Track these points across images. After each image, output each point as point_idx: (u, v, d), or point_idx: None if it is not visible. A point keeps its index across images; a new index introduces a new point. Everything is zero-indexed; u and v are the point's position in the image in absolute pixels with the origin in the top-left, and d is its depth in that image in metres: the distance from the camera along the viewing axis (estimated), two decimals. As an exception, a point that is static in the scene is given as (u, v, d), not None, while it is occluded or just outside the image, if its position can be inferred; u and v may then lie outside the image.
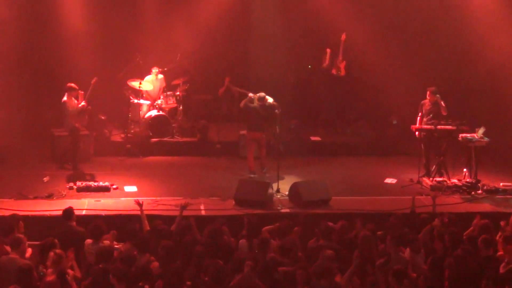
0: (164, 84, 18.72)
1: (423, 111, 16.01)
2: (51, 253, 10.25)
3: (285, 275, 10.08)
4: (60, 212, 12.61)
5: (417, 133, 16.09)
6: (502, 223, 12.13)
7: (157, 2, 19.24)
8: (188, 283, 9.91)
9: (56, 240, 10.84)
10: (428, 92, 15.98)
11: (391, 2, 18.77)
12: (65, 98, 16.19)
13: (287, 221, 12.02)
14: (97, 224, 11.54)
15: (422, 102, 16.06)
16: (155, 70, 18.53)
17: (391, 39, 18.79)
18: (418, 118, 16.06)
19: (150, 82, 18.53)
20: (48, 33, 18.71)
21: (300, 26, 19.35)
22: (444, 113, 15.77)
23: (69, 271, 10.24)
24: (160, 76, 18.66)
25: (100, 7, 18.86)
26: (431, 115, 15.84)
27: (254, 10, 19.09)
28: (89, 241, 11.22)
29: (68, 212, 12.04)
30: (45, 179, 15.61)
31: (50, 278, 9.79)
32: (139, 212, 12.43)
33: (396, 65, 18.51)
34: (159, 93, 18.63)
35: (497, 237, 11.68)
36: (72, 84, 16.19)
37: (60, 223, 12.00)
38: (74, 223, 11.86)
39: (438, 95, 15.81)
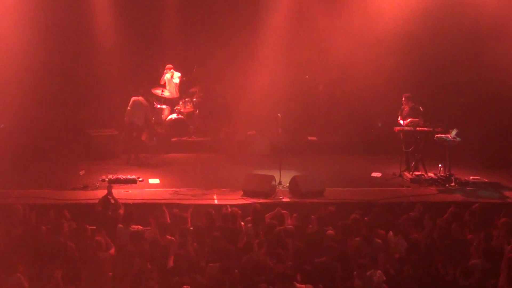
0: (179, 80, 18.63)
1: (403, 115, 16.09)
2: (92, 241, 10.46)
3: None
4: (94, 201, 12.85)
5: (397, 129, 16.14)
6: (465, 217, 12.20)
7: (177, 21, 19.16)
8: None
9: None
10: (403, 98, 16.06)
11: (377, 22, 18.64)
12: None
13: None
14: (129, 211, 11.71)
15: (402, 107, 16.10)
16: (169, 67, 18.46)
17: (378, 55, 18.74)
18: (399, 120, 16.09)
19: (169, 78, 18.55)
20: (84, 47, 18.61)
21: (299, 43, 19.31)
22: (421, 109, 15.92)
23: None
24: (177, 74, 18.54)
25: (128, 23, 18.73)
26: (409, 119, 15.88)
27: (259, 29, 19.10)
28: (121, 225, 11.43)
29: (104, 201, 12.22)
30: (81, 172, 15.75)
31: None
32: (161, 201, 12.56)
33: (381, 77, 18.43)
34: (177, 90, 18.61)
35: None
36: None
37: (96, 210, 12.19)
38: (109, 211, 12.04)
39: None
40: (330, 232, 11.09)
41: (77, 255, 10.27)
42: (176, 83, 18.55)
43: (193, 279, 9.49)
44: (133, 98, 16.82)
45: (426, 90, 17.62)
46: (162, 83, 18.48)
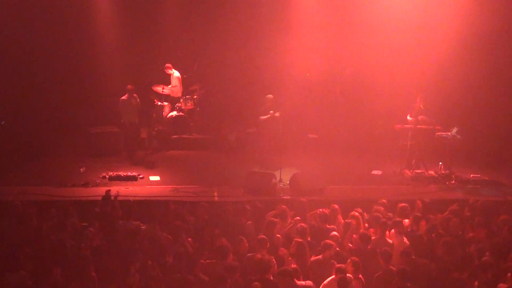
0: (180, 77, 18.59)
1: (413, 113, 15.92)
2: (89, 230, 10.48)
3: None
4: (94, 198, 12.84)
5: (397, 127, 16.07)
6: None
7: (179, 20, 19.14)
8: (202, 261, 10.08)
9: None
10: (418, 98, 16.01)
11: (381, 23, 18.56)
12: (124, 97, 16.52)
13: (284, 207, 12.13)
14: (129, 207, 11.70)
15: (413, 105, 16.00)
16: (169, 66, 18.45)
17: (379, 52, 18.69)
18: (409, 118, 16.02)
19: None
20: (85, 44, 18.65)
21: (300, 41, 19.20)
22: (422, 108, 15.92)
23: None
24: (176, 74, 18.57)
25: (129, 21, 18.78)
26: (419, 117, 15.85)
27: (260, 30, 19.04)
28: (121, 222, 11.41)
29: (105, 198, 12.21)
30: (82, 169, 15.70)
31: (86, 251, 9.99)
32: (161, 198, 12.51)
33: (383, 75, 18.44)
34: (179, 86, 18.55)
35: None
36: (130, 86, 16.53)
37: (97, 207, 12.16)
38: (109, 208, 12.02)
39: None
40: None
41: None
42: (174, 85, 18.51)
43: (194, 276, 9.47)
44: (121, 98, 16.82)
45: (427, 89, 17.57)
46: (173, 84, 18.45)
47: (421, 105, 15.97)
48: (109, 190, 12.54)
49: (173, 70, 18.45)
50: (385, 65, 18.50)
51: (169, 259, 10.08)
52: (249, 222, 11.79)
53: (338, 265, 9.57)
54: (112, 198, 12.18)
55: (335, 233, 10.95)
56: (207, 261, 10.12)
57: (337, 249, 10.41)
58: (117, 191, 12.58)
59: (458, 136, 15.56)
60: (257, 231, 11.33)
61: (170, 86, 18.38)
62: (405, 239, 11.06)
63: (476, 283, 9.53)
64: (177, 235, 10.85)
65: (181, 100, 18.53)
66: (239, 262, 9.91)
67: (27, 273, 9.51)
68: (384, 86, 18.31)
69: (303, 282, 9.36)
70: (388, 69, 18.45)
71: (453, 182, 15.35)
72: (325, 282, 9.52)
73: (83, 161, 16.43)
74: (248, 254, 10.23)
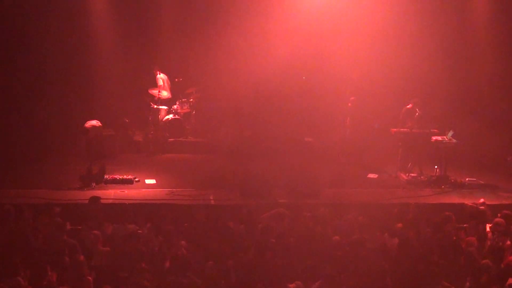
0: (168, 81, 18.68)
1: (414, 118, 15.98)
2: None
3: None
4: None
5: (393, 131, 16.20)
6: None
7: (175, 23, 19.19)
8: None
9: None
10: (411, 103, 16.09)
11: (380, 28, 18.60)
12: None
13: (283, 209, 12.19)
14: (124, 210, 11.76)
15: (413, 109, 16.09)
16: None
17: (374, 56, 18.77)
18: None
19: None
20: (82, 48, 18.64)
21: (296, 45, 19.23)
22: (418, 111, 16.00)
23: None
24: (162, 76, 18.59)
25: (126, 25, 18.82)
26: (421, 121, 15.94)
27: (257, 33, 19.05)
28: (116, 225, 11.46)
29: (95, 200, 12.29)
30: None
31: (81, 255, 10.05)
32: (157, 201, 12.55)
33: (378, 78, 18.51)
34: (164, 88, 18.55)
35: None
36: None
37: (89, 209, 12.23)
38: (100, 209, 12.07)
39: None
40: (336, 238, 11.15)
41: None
42: (160, 85, 18.53)
43: (188, 278, 9.52)
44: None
45: (424, 92, 17.66)
46: (159, 84, 18.50)
47: (416, 109, 16.07)
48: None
49: (159, 73, 18.54)
50: (384, 69, 18.57)
51: (165, 263, 10.13)
52: (241, 226, 11.82)
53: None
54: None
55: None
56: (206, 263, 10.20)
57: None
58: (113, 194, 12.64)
59: (454, 140, 15.60)
60: (251, 234, 11.38)
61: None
62: (396, 242, 11.15)
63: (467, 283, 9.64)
64: (173, 238, 10.91)
65: (177, 103, 18.60)
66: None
67: (25, 280, 9.54)
68: (380, 89, 18.36)
69: (293, 284, 9.44)
70: (386, 72, 18.52)
71: (448, 185, 15.38)
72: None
73: (80, 163, 16.35)
74: (240, 258, 10.28)
